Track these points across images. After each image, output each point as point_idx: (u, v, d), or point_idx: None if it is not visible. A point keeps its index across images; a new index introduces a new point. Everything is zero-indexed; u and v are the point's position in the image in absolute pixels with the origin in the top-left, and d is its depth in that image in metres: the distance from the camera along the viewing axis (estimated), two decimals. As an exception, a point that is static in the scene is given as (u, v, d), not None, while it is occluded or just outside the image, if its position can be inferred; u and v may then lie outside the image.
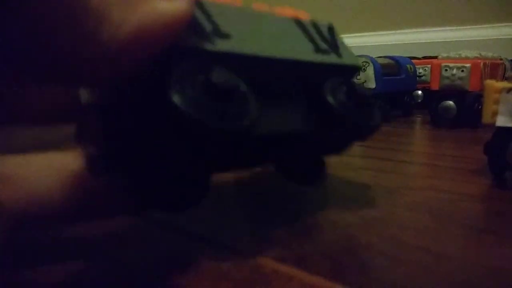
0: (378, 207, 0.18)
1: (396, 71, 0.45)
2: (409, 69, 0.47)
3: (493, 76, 0.39)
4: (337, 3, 0.87)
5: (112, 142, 0.12)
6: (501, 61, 0.42)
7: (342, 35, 0.17)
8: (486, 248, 0.14)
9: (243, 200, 0.20)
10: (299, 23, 0.16)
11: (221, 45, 0.12)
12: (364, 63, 0.42)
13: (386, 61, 0.45)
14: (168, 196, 0.13)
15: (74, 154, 0.14)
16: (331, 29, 0.17)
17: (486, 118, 0.20)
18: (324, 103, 0.15)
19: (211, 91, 0.11)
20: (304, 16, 0.16)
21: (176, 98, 0.10)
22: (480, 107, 0.37)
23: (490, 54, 0.41)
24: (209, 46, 0.12)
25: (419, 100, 0.50)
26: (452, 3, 0.74)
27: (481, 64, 0.37)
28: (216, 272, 0.12)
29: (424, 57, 0.56)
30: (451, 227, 0.16)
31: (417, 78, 0.49)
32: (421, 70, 0.50)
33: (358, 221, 0.16)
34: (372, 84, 0.41)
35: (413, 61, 0.49)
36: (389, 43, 0.79)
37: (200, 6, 0.12)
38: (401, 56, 0.48)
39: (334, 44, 0.16)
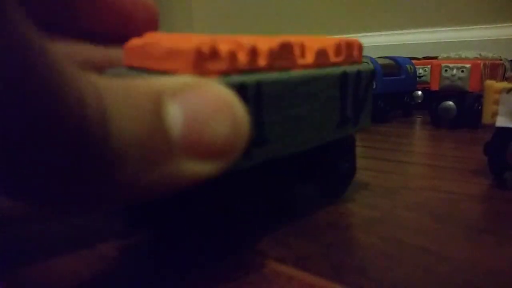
0: (378, 208, 0.18)
1: (396, 72, 0.45)
2: (409, 69, 0.47)
3: (493, 77, 0.39)
4: (337, 3, 0.87)
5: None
6: (501, 62, 0.42)
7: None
8: (487, 248, 0.14)
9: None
10: (344, 79, 0.15)
11: (255, 157, 0.12)
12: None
13: (386, 61, 0.45)
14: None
15: None
16: (371, 78, 0.17)
17: (486, 119, 0.20)
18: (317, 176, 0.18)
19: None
20: (356, 48, 0.16)
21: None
22: (480, 107, 0.37)
23: (490, 55, 0.41)
24: (244, 163, 0.12)
25: (419, 101, 0.50)
26: (452, 3, 0.74)
27: (481, 64, 0.37)
28: (216, 272, 0.12)
29: (424, 58, 0.56)
30: (451, 227, 0.16)
31: (417, 78, 0.49)
32: (421, 71, 0.50)
33: (358, 221, 0.16)
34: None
35: (413, 61, 0.49)
36: (389, 43, 0.80)
37: (258, 98, 0.12)
38: (401, 57, 0.48)
39: (361, 104, 0.17)
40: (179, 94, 0.09)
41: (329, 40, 0.15)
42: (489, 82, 0.20)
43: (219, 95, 0.09)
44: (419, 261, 0.13)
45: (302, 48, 0.14)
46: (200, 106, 0.09)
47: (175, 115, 0.08)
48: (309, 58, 0.14)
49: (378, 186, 0.21)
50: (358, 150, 0.19)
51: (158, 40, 0.11)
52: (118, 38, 0.14)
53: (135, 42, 0.12)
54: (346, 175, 0.18)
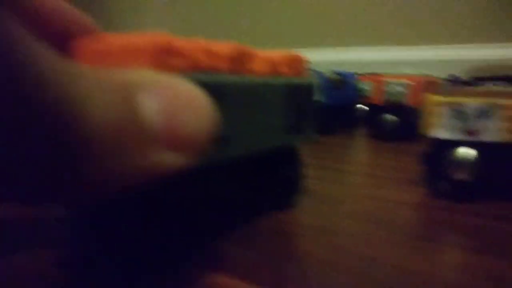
0: (322, 216, 0.18)
1: (341, 85, 0.47)
2: (353, 83, 0.48)
3: (430, 92, 0.42)
4: (287, 18, 0.89)
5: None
6: (437, 80, 0.45)
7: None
8: (423, 254, 0.14)
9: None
10: (288, 88, 0.16)
11: (218, 156, 0.12)
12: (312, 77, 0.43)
13: (332, 75, 0.47)
14: None
15: None
16: (312, 91, 0.18)
17: (423, 130, 0.21)
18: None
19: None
20: (300, 62, 0.17)
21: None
22: (418, 121, 0.39)
23: (427, 73, 0.43)
24: (207, 161, 0.11)
25: (362, 114, 0.52)
26: (394, 25, 0.78)
27: (420, 81, 0.39)
28: None
29: (368, 73, 0.58)
30: (393, 235, 0.16)
31: (361, 92, 0.51)
32: (365, 85, 0.51)
33: (299, 229, 0.16)
34: (319, 97, 0.42)
35: (357, 76, 0.51)
36: (335, 60, 0.82)
37: (217, 97, 0.12)
38: (345, 71, 0.50)
39: (304, 115, 0.17)
40: (151, 85, 0.09)
41: (276, 53, 0.16)
42: (427, 95, 0.21)
43: (189, 89, 0.09)
44: (359, 269, 0.13)
45: (253, 56, 0.14)
46: (172, 99, 0.09)
47: (149, 105, 0.08)
48: (259, 66, 0.15)
49: (322, 194, 0.21)
50: (303, 160, 0.19)
51: (113, 38, 0.11)
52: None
53: (85, 42, 0.12)
54: (293, 183, 0.18)
